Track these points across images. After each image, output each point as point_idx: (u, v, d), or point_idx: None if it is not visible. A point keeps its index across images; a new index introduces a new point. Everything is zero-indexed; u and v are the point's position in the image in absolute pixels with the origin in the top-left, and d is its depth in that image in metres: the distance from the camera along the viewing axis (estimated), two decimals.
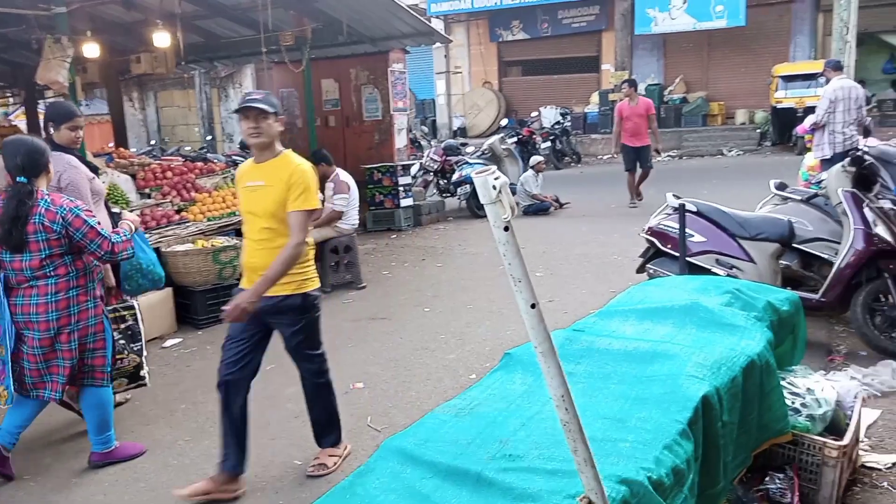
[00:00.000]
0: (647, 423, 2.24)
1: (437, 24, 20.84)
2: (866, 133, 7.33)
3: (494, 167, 1.31)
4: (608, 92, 19.46)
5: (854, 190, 4.82)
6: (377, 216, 10.94)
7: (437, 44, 14.29)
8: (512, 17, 22.08)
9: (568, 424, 1.34)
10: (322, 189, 8.06)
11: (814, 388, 3.08)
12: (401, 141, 11.94)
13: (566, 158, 18.29)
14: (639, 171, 11.24)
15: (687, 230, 5.27)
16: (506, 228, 1.27)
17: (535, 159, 12.33)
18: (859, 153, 5.11)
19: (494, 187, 1.23)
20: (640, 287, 3.69)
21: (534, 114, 19.57)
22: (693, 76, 20.15)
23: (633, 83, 11.46)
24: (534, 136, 16.79)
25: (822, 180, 5.57)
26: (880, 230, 4.66)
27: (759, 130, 18.04)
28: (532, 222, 10.93)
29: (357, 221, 7.85)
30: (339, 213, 7.49)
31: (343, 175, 7.66)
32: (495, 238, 1.31)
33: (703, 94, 19.58)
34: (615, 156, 12.08)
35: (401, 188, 10.84)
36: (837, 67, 8.78)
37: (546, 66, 22.61)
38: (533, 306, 1.31)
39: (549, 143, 17.50)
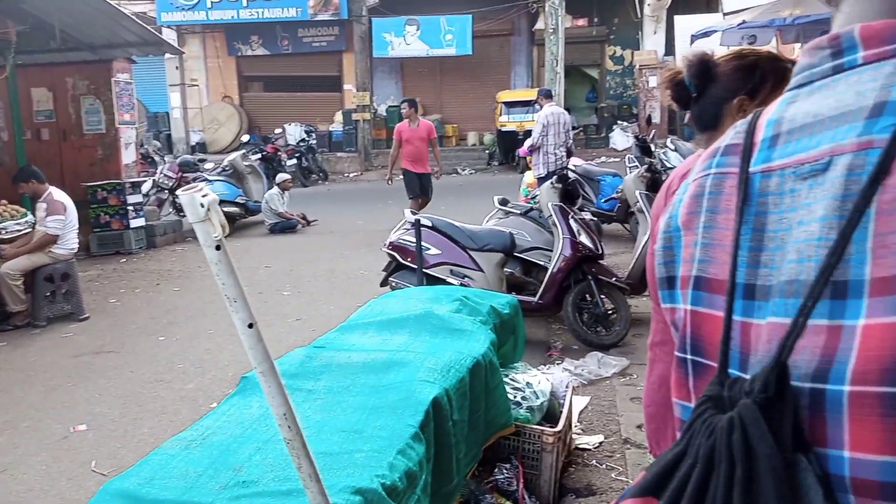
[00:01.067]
0: (382, 430, 2.31)
1: (169, 35, 19.66)
2: (569, 154, 8.33)
3: (202, 184, 1.27)
4: (351, 111, 19.88)
5: (561, 204, 5.48)
6: (103, 238, 9.96)
7: (168, 55, 13.48)
8: (250, 32, 21.60)
9: (291, 442, 1.34)
10: (34, 210, 7.16)
11: (532, 382, 3.42)
12: (129, 156, 11.02)
13: (313, 176, 18.31)
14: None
15: (424, 244, 5.57)
16: (217, 247, 1.23)
17: (281, 177, 12.17)
18: (565, 172, 5.82)
19: (202, 205, 1.19)
20: (380, 300, 3.81)
21: (277, 130, 19.30)
22: (428, 99, 21.37)
23: (412, 103, 10.41)
24: (279, 154, 16.55)
25: (536, 196, 6.24)
26: (583, 238, 5.35)
27: (487, 151, 19.68)
28: (279, 241, 10.75)
29: (76, 245, 7.08)
30: (54, 237, 6.70)
31: (58, 194, 6.87)
32: (207, 258, 1.27)
33: (438, 117, 20.86)
34: (389, 183, 10.75)
35: (130, 207, 9.99)
36: (548, 95, 9.90)
37: (289, 83, 22.46)
38: (251, 326, 1.29)
39: (295, 161, 17.38)
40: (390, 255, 5.85)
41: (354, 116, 19.79)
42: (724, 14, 7.98)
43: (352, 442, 2.25)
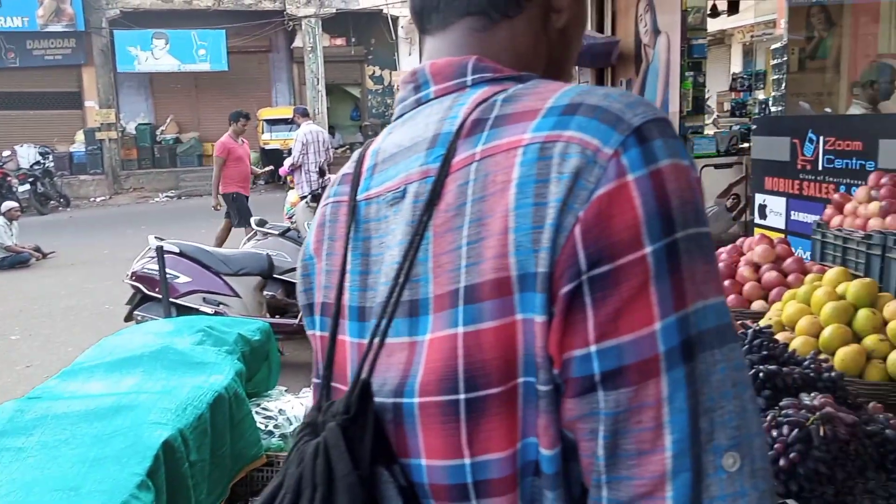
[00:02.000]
0: (103, 483, 2.11)
1: None
2: (321, 174, 8.31)
3: None
4: (95, 130, 18.18)
5: None
6: None
7: None
8: None
9: None
10: None
11: (285, 409, 3.34)
12: None
13: (52, 202, 16.44)
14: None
15: (172, 272, 5.23)
16: None
17: (6, 205, 10.75)
18: (320, 191, 5.81)
19: None
20: (112, 337, 3.49)
21: (6, 153, 17.01)
22: (185, 116, 20.23)
23: (246, 116, 9.42)
24: (8, 179, 14.64)
25: (294, 215, 6.16)
26: None
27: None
28: (6, 278, 9.47)
29: None
30: None
31: None
32: None
33: (196, 135, 19.83)
34: (216, 209, 9.18)
35: None
36: (305, 114, 9.85)
37: (19, 100, 19.89)
38: None
39: (28, 186, 15.49)
40: (134, 286, 5.41)
41: (99, 136, 18.14)
42: None
43: (67, 500, 2.03)
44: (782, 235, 4.77)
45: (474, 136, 0.65)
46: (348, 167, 0.80)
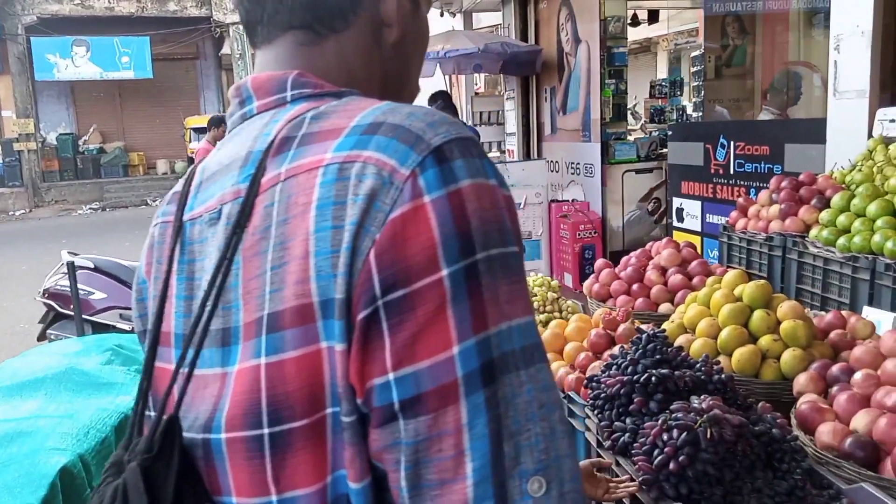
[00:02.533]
0: None
1: None
2: None
3: None
4: (12, 141, 17.40)
5: None
6: None
7: None
8: None
9: None
10: None
11: None
12: None
13: None
14: None
15: (86, 288, 5.02)
16: None
17: None
18: None
19: None
20: (14, 360, 3.32)
21: None
22: (108, 126, 19.58)
23: (219, 122, 8.46)
24: None
25: None
26: None
27: (179, 179, 18.59)
28: None
29: None
30: None
31: None
32: None
33: (121, 145, 19.21)
34: None
35: None
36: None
37: None
38: None
39: None
40: (47, 304, 5.17)
41: (17, 146, 17.36)
42: None
43: None
44: (698, 238, 4.93)
45: (281, 155, 0.62)
46: (179, 185, 0.76)
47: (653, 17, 9.74)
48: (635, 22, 9.38)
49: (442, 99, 6.76)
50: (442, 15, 8.89)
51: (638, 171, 6.63)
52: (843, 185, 2.80)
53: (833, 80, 3.50)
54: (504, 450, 0.54)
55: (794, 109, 5.92)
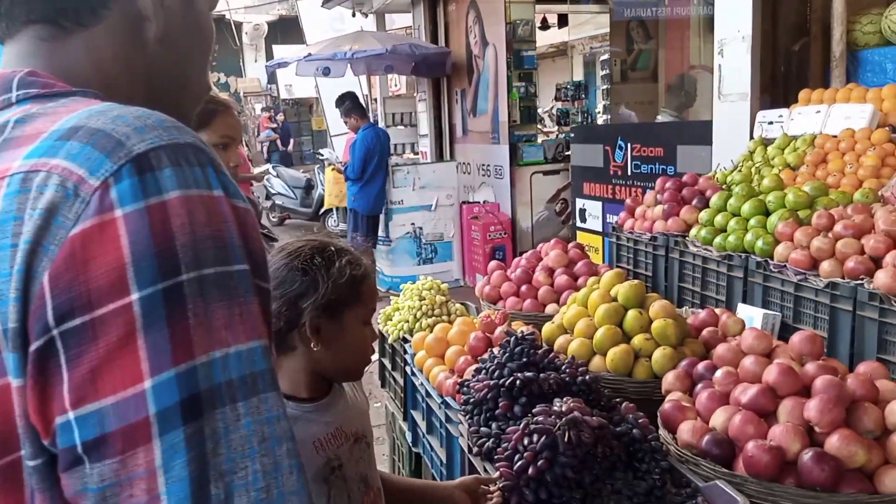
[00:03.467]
0: None
1: None
2: None
3: None
4: None
5: None
6: None
7: None
8: None
9: None
10: None
11: None
12: None
13: None
14: None
15: None
16: None
17: None
18: None
19: None
20: None
21: None
22: None
23: None
24: None
25: None
26: None
27: None
28: None
29: None
30: None
31: None
32: None
33: None
34: None
35: None
36: None
37: None
38: None
39: None
40: None
41: None
42: (308, 46, 8.41)
43: None
44: (599, 238, 5.02)
45: None
46: None
47: (562, 21, 9.91)
48: (545, 26, 9.51)
49: (350, 100, 6.66)
50: (354, 15, 8.77)
51: (545, 173, 6.72)
52: (723, 186, 2.88)
53: (718, 84, 3.62)
54: (211, 492, 0.48)
55: (692, 112, 6.12)
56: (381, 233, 6.86)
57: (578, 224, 5.32)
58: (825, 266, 2.10)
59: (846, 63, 3.49)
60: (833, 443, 1.40)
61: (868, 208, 2.22)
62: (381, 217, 6.83)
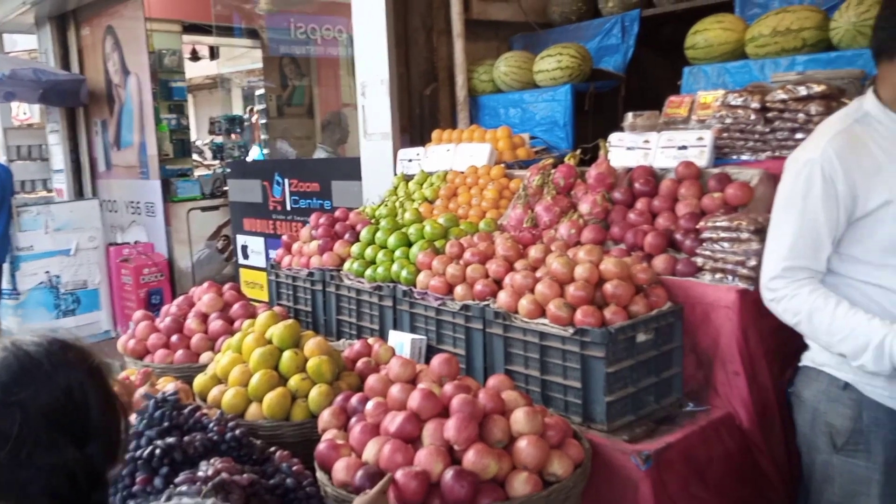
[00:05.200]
0: None
1: None
2: None
3: None
4: None
5: None
6: None
7: None
8: None
9: None
10: None
11: None
12: None
13: None
14: None
15: None
16: None
17: None
18: None
19: None
20: None
21: None
22: None
23: None
24: None
25: None
26: None
27: None
28: None
29: None
30: None
31: None
32: None
33: None
34: None
35: None
36: None
37: None
38: None
39: None
40: None
41: None
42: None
43: None
44: (264, 275, 4.92)
45: None
46: None
47: (213, 53, 9.64)
48: (195, 57, 9.16)
49: None
50: None
51: (204, 209, 6.41)
52: (372, 220, 3.02)
53: (363, 123, 3.81)
54: None
55: (348, 148, 6.38)
56: (5, 285, 5.86)
57: (242, 261, 5.16)
58: (459, 290, 2.31)
59: (469, 107, 3.95)
60: (470, 458, 1.52)
61: (490, 236, 2.51)
62: (5, 267, 5.84)
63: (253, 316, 2.53)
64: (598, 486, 1.79)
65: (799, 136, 2.26)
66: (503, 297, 2.16)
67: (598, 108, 3.64)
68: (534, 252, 2.25)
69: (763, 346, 2.03)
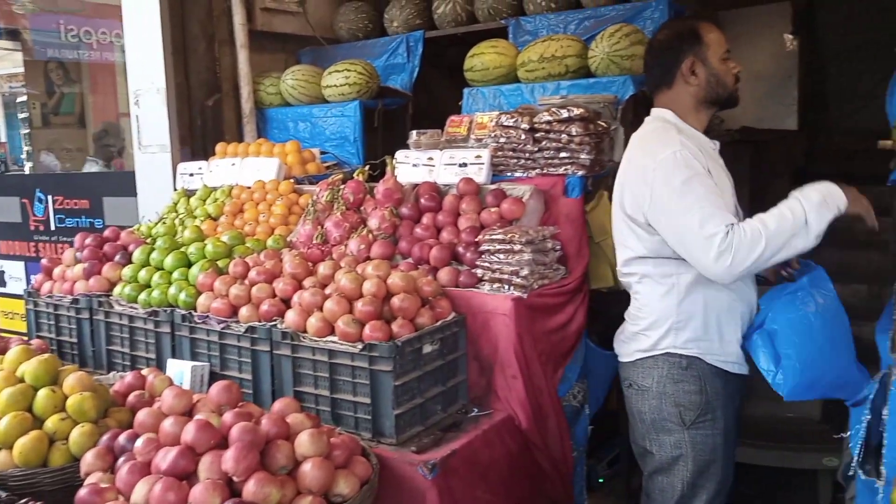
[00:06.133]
0: None
1: None
2: None
3: None
4: None
5: None
6: None
7: None
8: None
9: None
10: None
11: None
12: None
13: None
14: None
15: None
16: None
17: None
18: None
19: None
20: None
21: None
22: None
23: None
24: None
25: None
26: None
27: None
28: None
29: None
30: None
31: None
32: None
33: None
34: None
35: None
36: None
37: None
38: None
39: None
40: None
41: None
42: None
43: None
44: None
45: None
46: None
47: None
48: None
49: None
50: None
51: None
52: (147, 239, 2.81)
53: (137, 134, 3.54)
54: None
55: (124, 161, 5.91)
56: None
57: None
58: (244, 311, 2.22)
59: (256, 119, 3.82)
60: (250, 488, 1.45)
61: (278, 253, 2.44)
62: None
63: (3, 352, 2.23)
64: (387, 501, 1.80)
65: (563, 154, 2.46)
66: (291, 316, 2.11)
67: (388, 124, 3.70)
68: (323, 269, 2.22)
69: (536, 350, 2.17)
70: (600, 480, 2.88)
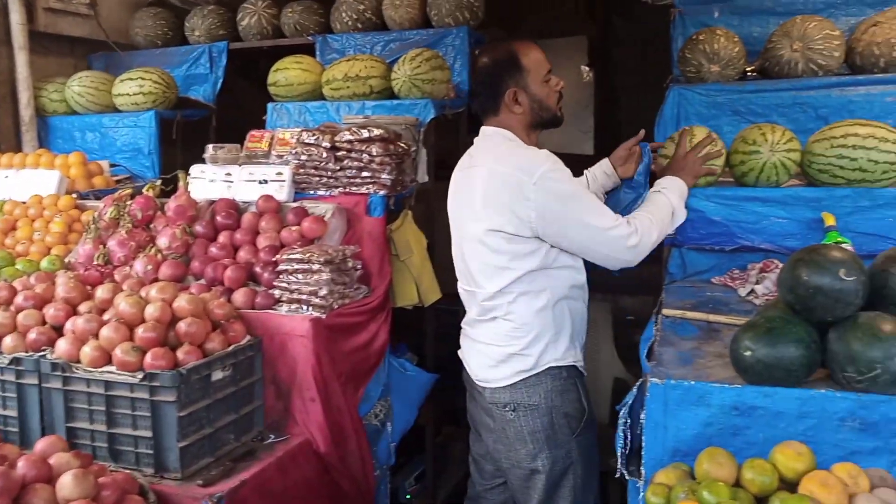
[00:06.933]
0: None
1: None
2: None
3: None
4: None
5: None
6: None
7: None
8: None
9: None
10: None
11: None
12: None
13: None
14: None
15: None
16: None
17: None
18: None
19: None
20: None
21: None
22: None
23: None
24: None
25: None
26: None
27: None
28: None
29: None
30: None
31: None
32: None
33: None
34: None
35: None
36: None
37: None
38: None
39: None
40: None
41: None
42: None
43: None
44: None
45: None
46: None
47: None
48: None
49: None
50: None
51: None
52: None
53: None
54: None
55: None
56: None
57: None
58: (8, 341, 1.99)
59: (37, 128, 3.48)
60: None
61: (52, 276, 2.22)
62: None
63: None
64: None
65: (365, 174, 2.47)
66: (63, 345, 1.92)
67: (190, 137, 3.52)
68: (101, 292, 2.05)
69: (336, 371, 2.15)
70: (407, 497, 2.91)
